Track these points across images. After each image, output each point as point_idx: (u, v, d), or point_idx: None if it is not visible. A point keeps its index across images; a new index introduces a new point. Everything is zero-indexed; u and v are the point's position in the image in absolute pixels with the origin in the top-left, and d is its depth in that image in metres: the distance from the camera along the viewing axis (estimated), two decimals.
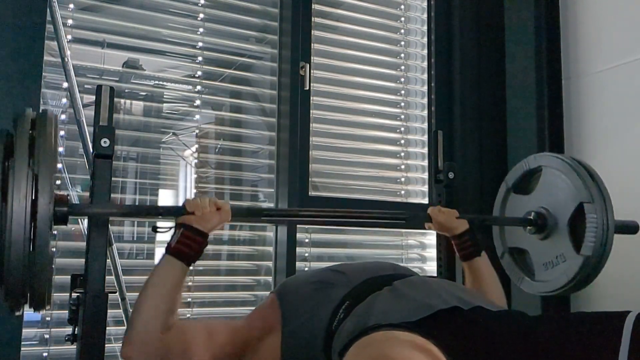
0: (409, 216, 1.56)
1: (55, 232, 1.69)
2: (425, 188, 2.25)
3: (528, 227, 1.58)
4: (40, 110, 1.11)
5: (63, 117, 1.73)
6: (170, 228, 1.26)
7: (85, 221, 1.36)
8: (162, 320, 1.15)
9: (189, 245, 1.20)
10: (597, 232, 1.42)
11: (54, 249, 1.69)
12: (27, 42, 1.58)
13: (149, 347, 1.14)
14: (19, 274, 0.97)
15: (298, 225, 1.95)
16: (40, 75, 1.59)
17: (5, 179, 0.98)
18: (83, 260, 1.21)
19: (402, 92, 2.29)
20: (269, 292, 1.92)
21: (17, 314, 1.10)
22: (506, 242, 1.69)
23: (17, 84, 1.55)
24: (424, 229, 1.60)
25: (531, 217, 1.57)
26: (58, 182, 1.71)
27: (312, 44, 2.07)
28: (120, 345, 1.16)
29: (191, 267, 1.71)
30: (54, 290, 1.62)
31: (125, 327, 1.57)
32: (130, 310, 1.59)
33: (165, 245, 1.22)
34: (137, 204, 1.89)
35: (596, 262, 1.45)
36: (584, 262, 1.45)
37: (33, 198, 0.97)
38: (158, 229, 1.34)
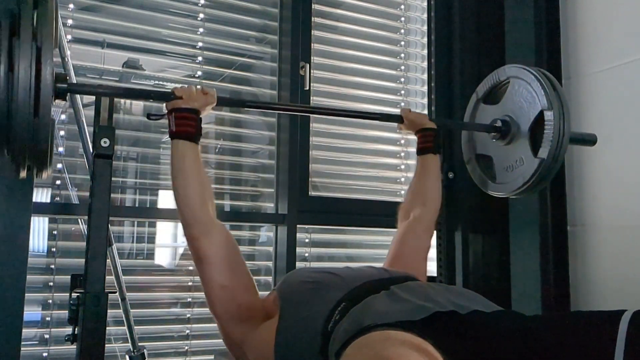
0: (383, 115, 1.73)
1: (55, 232, 1.69)
2: None
3: (492, 134, 1.67)
4: None
5: (63, 117, 1.73)
6: (164, 115, 1.36)
7: (85, 221, 1.36)
8: (200, 195, 1.30)
9: (186, 124, 1.31)
10: (554, 137, 1.52)
11: (54, 249, 1.69)
12: None
13: (202, 222, 1.28)
14: (24, 135, 1.06)
15: (298, 225, 1.95)
16: None
17: (11, 52, 1.06)
18: (83, 260, 1.22)
19: (402, 91, 2.29)
20: (268, 292, 1.94)
21: (22, 175, 1.16)
22: (473, 149, 1.78)
23: None
24: (397, 128, 1.69)
25: (496, 125, 1.66)
26: (58, 182, 1.71)
27: (312, 44, 2.07)
28: (185, 235, 1.29)
29: (191, 267, 1.73)
30: (54, 290, 1.64)
31: (125, 327, 1.58)
32: (131, 310, 1.59)
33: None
34: (136, 204, 1.89)
35: (551, 165, 1.55)
36: (539, 164, 1.54)
37: (37, 69, 1.06)
38: (153, 116, 1.43)
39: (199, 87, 1.36)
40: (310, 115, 2.00)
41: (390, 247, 1.60)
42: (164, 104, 1.34)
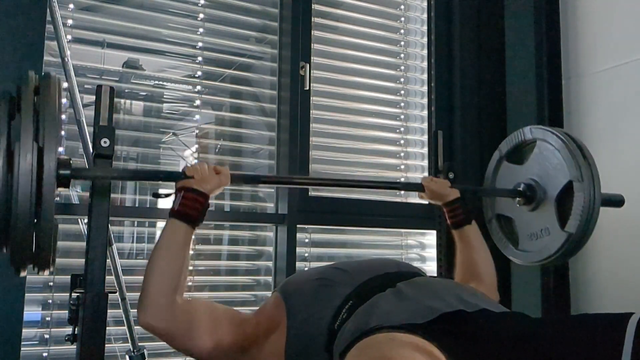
0: (404, 184, 1.65)
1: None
2: None
3: (517, 198, 1.62)
4: (43, 73, 1.13)
5: (63, 117, 1.72)
6: (171, 194, 1.29)
7: (85, 221, 1.36)
8: (173, 283, 1.18)
9: (191, 207, 1.23)
10: (583, 211, 1.46)
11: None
12: (27, 42, 1.58)
13: (162, 311, 1.17)
14: (25, 233, 1.00)
15: (298, 225, 1.95)
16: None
17: (10, 143, 1.01)
18: (83, 260, 1.21)
19: (402, 92, 2.29)
20: (269, 292, 1.93)
21: (23, 274, 1.12)
22: (495, 208, 1.73)
23: (17, 84, 1.55)
24: (418, 197, 1.66)
25: (521, 189, 1.61)
26: None
27: (312, 44, 2.07)
28: (136, 313, 1.18)
29: (191, 267, 1.72)
30: (54, 291, 1.64)
31: (125, 327, 1.58)
32: (131, 310, 1.59)
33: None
34: (136, 205, 1.89)
35: (579, 240, 1.50)
36: (567, 238, 1.49)
37: (38, 161, 1.00)
38: (159, 195, 1.36)
39: (211, 165, 1.30)
40: (321, 186, 1.97)
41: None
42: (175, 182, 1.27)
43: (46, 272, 1.14)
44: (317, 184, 1.72)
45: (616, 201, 1.64)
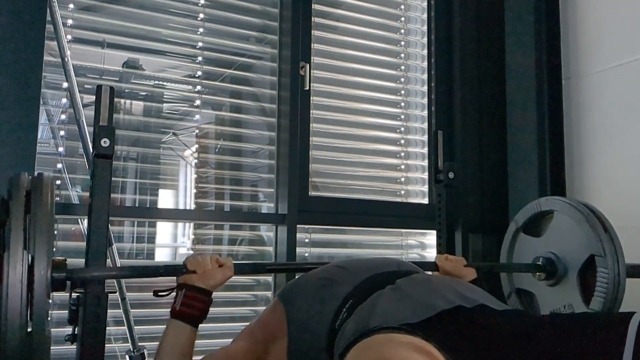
0: (417, 263, 1.51)
1: (55, 232, 1.69)
2: (425, 188, 2.25)
3: (537, 273, 1.56)
4: (36, 175, 1.08)
5: (63, 117, 1.73)
6: (173, 289, 1.23)
7: (85, 221, 1.36)
8: None
9: (193, 306, 1.18)
10: (608, 287, 1.39)
11: (54, 249, 1.68)
12: (27, 42, 1.58)
13: None
14: (16, 347, 0.95)
15: (298, 225, 1.95)
16: (40, 75, 1.59)
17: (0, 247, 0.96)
18: (83, 260, 1.21)
19: (402, 92, 2.29)
20: (269, 292, 1.94)
21: None
22: (513, 283, 1.67)
23: (17, 84, 1.55)
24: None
25: (540, 263, 1.54)
26: (58, 182, 1.71)
27: (312, 44, 2.07)
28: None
29: None
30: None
31: (125, 327, 1.58)
32: (131, 310, 1.59)
33: (170, 308, 1.21)
34: (136, 204, 1.89)
35: None
36: None
37: (29, 270, 0.95)
38: (160, 293, 1.27)
39: (213, 255, 1.25)
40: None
41: None
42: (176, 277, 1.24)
43: None
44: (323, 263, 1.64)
45: None
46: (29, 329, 0.96)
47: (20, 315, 0.94)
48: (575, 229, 1.48)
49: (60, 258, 1.11)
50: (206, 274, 1.21)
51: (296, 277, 1.64)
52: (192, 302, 1.18)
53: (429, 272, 1.51)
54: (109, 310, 1.20)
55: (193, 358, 1.20)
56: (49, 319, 1.00)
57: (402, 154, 2.26)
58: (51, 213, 1.02)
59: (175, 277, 1.26)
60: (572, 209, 1.50)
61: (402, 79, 2.30)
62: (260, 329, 1.27)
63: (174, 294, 1.22)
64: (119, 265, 1.59)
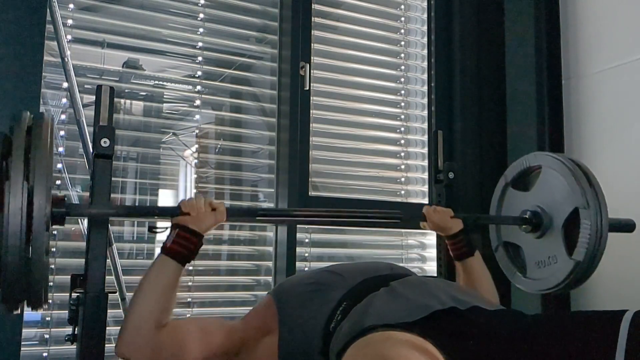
0: (404, 216, 1.56)
1: (55, 232, 1.69)
2: (425, 188, 2.25)
3: (523, 226, 1.60)
4: (38, 113, 1.12)
5: (63, 117, 1.73)
6: (167, 228, 1.27)
7: (85, 221, 1.36)
8: (156, 319, 1.15)
9: (183, 245, 1.21)
10: (590, 238, 1.44)
11: (54, 249, 1.69)
12: (27, 42, 1.58)
13: (142, 346, 1.14)
14: (16, 273, 0.99)
15: (298, 225, 1.95)
16: (40, 75, 1.59)
17: (1, 181, 1.00)
18: (83, 260, 1.21)
19: (402, 92, 2.29)
20: (268, 292, 1.93)
21: (15, 312, 1.11)
22: (501, 236, 1.71)
23: (17, 84, 1.55)
24: (420, 228, 1.62)
25: (527, 216, 1.59)
26: (58, 182, 1.71)
27: (312, 44, 2.07)
28: (115, 344, 1.16)
29: (191, 267, 1.72)
30: (54, 290, 1.64)
31: None
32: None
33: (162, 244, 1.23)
34: (136, 204, 1.89)
35: (587, 267, 1.47)
36: (575, 266, 1.46)
37: (29, 200, 0.99)
38: (154, 229, 1.35)
39: (207, 200, 1.27)
40: (319, 220, 1.81)
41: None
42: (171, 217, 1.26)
43: (40, 310, 1.13)
44: (316, 216, 1.64)
45: (626, 225, 1.61)
46: (29, 257, 1.01)
47: (20, 242, 0.98)
48: (561, 183, 1.52)
49: (60, 194, 1.16)
50: (199, 216, 1.24)
51: (290, 277, 1.67)
52: (183, 241, 1.21)
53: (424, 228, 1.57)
54: (109, 310, 1.20)
55: None
56: (50, 249, 1.06)
57: (402, 154, 2.26)
58: (50, 149, 1.06)
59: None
60: (559, 163, 1.54)
61: (402, 79, 2.30)
62: (254, 317, 1.28)
63: (167, 232, 1.25)
64: (118, 265, 1.59)
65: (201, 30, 1.96)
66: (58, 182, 1.71)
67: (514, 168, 1.69)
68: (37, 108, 1.57)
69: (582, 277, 1.50)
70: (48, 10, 1.62)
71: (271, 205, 2.01)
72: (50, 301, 1.65)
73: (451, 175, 2.15)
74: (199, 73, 1.97)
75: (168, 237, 1.23)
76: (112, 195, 1.26)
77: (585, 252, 1.44)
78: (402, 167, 2.26)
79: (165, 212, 1.33)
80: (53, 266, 1.68)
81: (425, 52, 2.32)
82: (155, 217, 1.44)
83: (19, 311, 1.11)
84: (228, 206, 1.30)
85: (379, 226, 2.15)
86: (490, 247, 1.74)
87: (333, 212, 1.63)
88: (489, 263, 1.61)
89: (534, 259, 1.60)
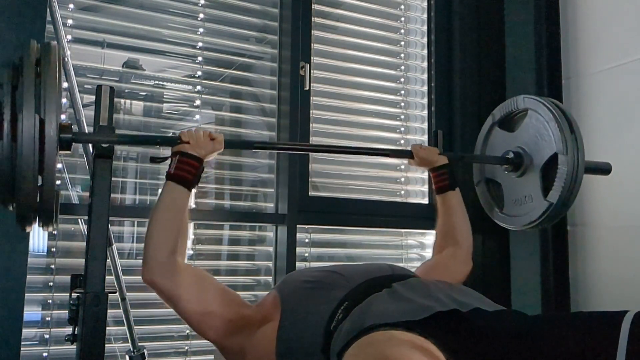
0: (394, 151, 1.73)
1: (55, 232, 1.69)
2: (425, 188, 2.25)
3: (505, 165, 1.68)
4: (45, 42, 1.17)
5: (63, 117, 1.72)
6: (167, 157, 1.34)
7: (85, 221, 1.36)
8: (172, 242, 1.25)
9: (186, 170, 1.28)
10: (565, 183, 1.52)
11: (54, 249, 1.69)
12: (27, 42, 1.57)
13: (163, 270, 1.23)
14: (30, 189, 1.06)
15: (298, 225, 1.95)
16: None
17: (14, 108, 1.06)
18: (83, 260, 1.21)
19: (402, 92, 2.29)
20: (268, 292, 1.93)
21: (28, 229, 1.18)
22: (484, 172, 1.79)
23: None
24: (408, 165, 1.74)
25: (509, 157, 1.66)
26: (58, 182, 1.71)
27: (312, 44, 2.07)
28: (141, 271, 1.24)
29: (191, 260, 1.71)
30: (54, 291, 1.64)
31: (125, 327, 1.58)
32: (131, 310, 1.59)
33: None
34: (136, 204, 1.89)
35: (559, 209, 1.56)
36: (548, 207, 1.55)
37: (40, 127, 1.06)
38: (156, 159, 1.41)
39: (207, 131, 1.35)
40: (316, 152, 2.00)
41: (421, 268, 1.58)
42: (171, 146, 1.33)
43: (50, 228, 1.19)
44: (311, 150, 1.84)
45: (603, 169, 1.70)
46: (40, 183, 1.09)
47: (33, 164, 1.05)
48: (544, 127, 1.59)
49: (67, 122, 1.22)
50: (198, 143, 1.31)
51: (295, 271, 1.67)
52: (185, 166, 1.29)
53: (406, 160, 1.69)
54: (109, 310, 1.20)
55: None
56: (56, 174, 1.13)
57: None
58: (59, 77, 1.12)
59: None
60: (544, 108, 1.60)
61: (402, 79, 2.30)
62: (260, 305, 1.31)
63: (168, 161, 1.32)
64: (118, 265, 1.59)
65: (201, 30, 1.96)
66: (58, 182, 1.71)
67: (502, 108, 1.76)
68: None
69: (554, 217, 1.59)
70: (48, 10, 1.62)
71: (271, 205, 2.01)
72: (50, 301, 1.65)
73: None
74: (199, 73, 1.97)
75: (170, 165, 1.30)
76: (112, 195, 1.27)
77: (559, 196, 1.53)
78: (402, 167, 2.26)
79: (165, 141, 1.42)
80: (53, 266, 1.68)
81: (425, 52, 2.32)
82: (156, 145, 1.58)
83: (31, 229, 1.19)
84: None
85: (378, 228, 2.15)
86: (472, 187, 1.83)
87: (329, 147, 1.83)
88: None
89: (512, 196, 1.68)
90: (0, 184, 1.09)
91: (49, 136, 1.06)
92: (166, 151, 1.40)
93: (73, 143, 1.20)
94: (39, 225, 1.18)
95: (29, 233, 1.52)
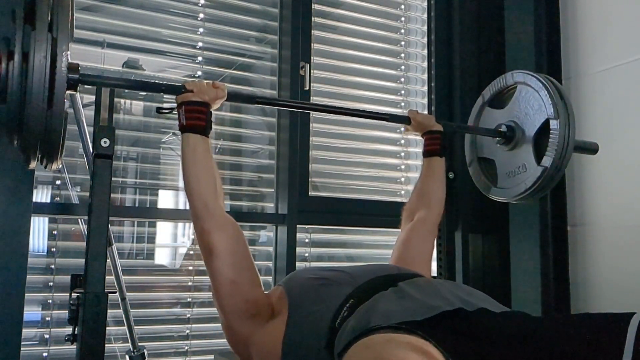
0: (391, 116, 1.71)
1: (55, 232, 1.69)
2: None
3: (497, 138, 1.70)
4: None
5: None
6: (173, 108, 1.36)
7: (85, 221, 1.36)
8: (211, 187, 1.29)
9: (195, 117, 1.30)
10: (558, 146, 1.54)
11: (54, 249, 1.69)
12: None
13: (211, 216, 1.26)
14: (37, 125, 1.06)
15: (298, 225, 1.95)
16: None
17: (25, 41, 1.06)
18: (83, 260, 1.21)
19: (402, 91, 2.29)
20: (272, 289, 1.94)
21: (32, 166, 1.18)
22: (476, 151, 1.81)
23: None
24: (404, 129, 1.73)
25: (501, 129, 1.68)
26: (58, 182, 1.71)
27: (312, 44, 2.07)
28: (195, 228, 1.28)
29: (191, 267, 1.72)
30: (54, 291, 1.64)
31: (125, 327, 1.58)
32: (130, 310, 1.59)
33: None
34: (136, 204, 1.89)
35: (553, 174, 1.58)
36: (542, 172, 1.57)
37: (51, 59, 1.06)
38: (162, 110, 1.43)
39: (209, 81, 1.37)
40: (316, 112, 2.01)
41: (394, 248, 1.60)
42: (175, 97, 1.35)
43: (54, 166, 1.19)
44: (312, 109, 1.88)
45: (590, 149, 1.73)
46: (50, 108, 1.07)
47: (44, 86, 1.05)
48: (535, 97, 1.62)
49: (75, 62, 1.21)
50: (202, 90, 1.33)
51: (300, 269, 1.66)
52: (194, 114, 1.31)
53: (403, 127, 1.72)
54: (109, 310, 1.20)
55: None
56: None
57: (402, 154, 2.26)
58: (72, 9, 1.15)
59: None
60: (533, 79, 1.63)
61: (402, 79, 2.30)
62: (270, 298, 1.31)
63: (175, 113, 1.34)
64: (118, 265, 1.59)
65: (201, 30, 1.96)
66: (58, 182, 1.71)
67: (491, 87, 1.78)
68: None
69: (549, 183, 1.61)
70: None
71: (271, 205, 2.01)
72: (50, 301, 1.65)
73: (451, 175, 2.16)
74: (199, 73, 1.97)
75: (179, 117, 1.32)
76: (112, 195, 1.27)
77: (553, 159, 1.55)
78: (402, 167, 2.26)
79: (169, 89, 1.41)
80: (53, 266, 1.68)
81: (425, 52, 2.32)
82: (160, 92, 1.57)
83: (34, 165, 1.18)
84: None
85: (378, 228, 2.15)
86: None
87: (332, 108, 1.83)
88: None
89: (505, 170, 1.71)
90: (8, 115, 1.07)
91: (59, 67, 1.06)
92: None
93: (79, 84, 1.21)
94: (41, 162, 1.17)
95: (29, 232, 1.52)
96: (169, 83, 1.49)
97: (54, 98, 1.06)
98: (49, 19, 1.07)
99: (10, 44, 1.08)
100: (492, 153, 1.75)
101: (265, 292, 1.34)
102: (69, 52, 1.09)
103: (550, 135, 1.55)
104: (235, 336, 1.29)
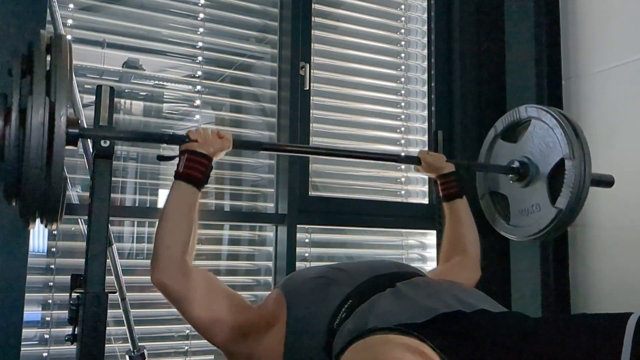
0: (402, 157, 1.72)
1: (55, 232, 1.69)
2: (425, 188, 2.25)
3: (510, 175, 1.67)
4: (56, 33, 1.16)
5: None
6: (175, 156, 1.33)
7: (85, 221, 1.36)
8: (183, 242, 1.23)
9: (194, 168, 1.27)
10: (574, 188, 1.51)
11: (54, 249, 1.69)
12: (27, 42, 1.57)
13: (174, 269, 1.20)
14: (36, 182, 1.04)
15: (298, 225, 1.95)
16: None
17: (24, 101, 1.04)
18: (83, 260, 1.21)
19: (402, 92, 2.29)
20: (268, 292, 1.93)
21: (32, 226, 1.17)
22: (488, 185, 1.78)
23: None
24: (415, 170, 1.71)
25: (514, 166, 1.65)
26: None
27: (312, 44, 2.07)
28: (150, 272, 1.21)
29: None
30: (54, 291, 1.64)
31: (125, 327, 1.58)
32: (131, 310, 1.59)
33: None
34: (136, 204, 1.89)
35: (568, 216, 1.55)
36: (557, 214, 1.54)
37: (50, 116, 1.04)
38: (164, 157, 1.42)
39: (214, 129, 1.35)
40: (324, 156, 1.96)
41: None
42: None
43: (54, 226, 1.18)
44: (319, 154, 1.83)
45: (606, 182, 1.70)
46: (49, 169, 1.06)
47: (42, 152, 1.03)
48: (549, 134, 1.59)
49: (74, 117, 1.21)
50: (207, 141, 1.30)
51: (298, 271, 1.66)
52: (194, 164, 1.27)
53: (413, 166, 1.69)
54: (109, 310, 1.20)
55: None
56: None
57: (402, 154, 2.26)
58: (70, 68, 1.10)
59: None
60: (548, 115, 1.60)
61: (402, 79, 2.30)
62: (264, 309, 1.30)
63: (176, 160, 1.31)
64: (118, 265, 1.59)
65: (201, 30, 1.96)
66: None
67: (504, 120, 1.75)
68: None
69: (563, 225, 1.58)
70: (48, 10, 1.62)
71: (271, 205, 2.01)
72: (50, 301, 1.65)
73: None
74: (199, 73, 1.97)
75: (178, 164, 1.29)
76: (112, 195, 1.27)
77: (568, 201, 1.51)
78: (402, 167, 2.25)
79: (173, 139, 1.37)
80: (53, 266, 1.68)
81: (425, 52, 2.32)
82: (164, 143, 1.53)
83: (34, 225, 1.16)
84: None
85: (378, 228, 2.15)
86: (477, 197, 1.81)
87: (336, 151, 1.81)
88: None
89: (518, 207, 1.67)
90: (6, 176, 1.05)
91: (58, 128, 1.04)
92: (172, 153, 1.38)
93: (80, 139, 1.20)
94: (42, 222, 1.16)
95: (29, 232, 1.52)
96: (172, 134, 1.48)
97: (52, 155, 1.04)
98: (47, 81, 1.04)
99: (7, 100, 1.05)
100: (505, 188, 1.71)
101: (257, 304, 1.33)
102: (67, 111, 1.07)
103: (566, 175, 1.51)
104: (238, 358, 1.27)
